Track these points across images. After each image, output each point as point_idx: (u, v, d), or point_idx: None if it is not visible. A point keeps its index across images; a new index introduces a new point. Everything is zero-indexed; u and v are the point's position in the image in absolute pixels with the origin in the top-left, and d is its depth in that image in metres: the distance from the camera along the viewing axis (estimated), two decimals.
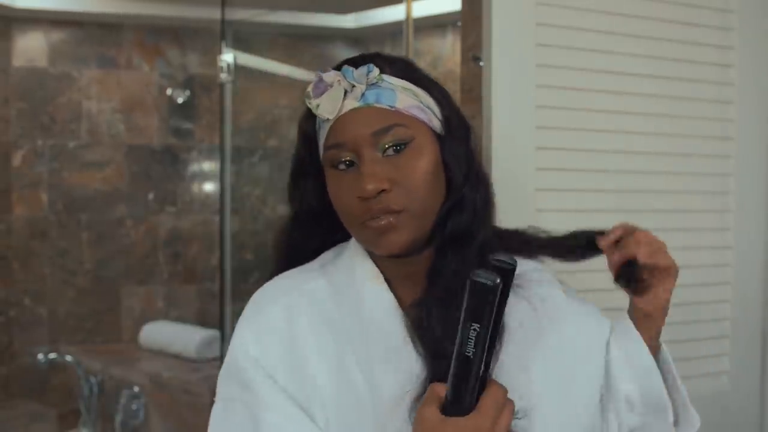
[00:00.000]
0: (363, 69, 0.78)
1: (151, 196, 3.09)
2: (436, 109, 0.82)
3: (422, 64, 3.15)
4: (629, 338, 0.89)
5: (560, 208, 1.39)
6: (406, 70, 0.82)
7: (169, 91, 3.08)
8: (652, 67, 1.47)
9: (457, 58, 1.61)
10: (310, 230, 0.88)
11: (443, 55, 2.87)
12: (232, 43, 2.70)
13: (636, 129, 1.46)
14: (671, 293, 0.89)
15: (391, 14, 2.85)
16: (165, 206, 3.11)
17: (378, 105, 0.77)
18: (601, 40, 1.42)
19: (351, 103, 0.78)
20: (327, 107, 0.78)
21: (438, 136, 0.81)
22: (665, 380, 0.88)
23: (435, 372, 0.73)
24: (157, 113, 3.08)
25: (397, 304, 0.81)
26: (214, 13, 2.79)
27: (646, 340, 0.89)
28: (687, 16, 1.50)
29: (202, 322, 2.92)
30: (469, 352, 0.63)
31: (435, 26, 2.85)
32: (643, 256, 0.84)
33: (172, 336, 2.65)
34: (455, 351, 0.64)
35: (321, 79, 0.79)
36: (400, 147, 0.77)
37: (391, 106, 0.78)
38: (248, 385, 0.78)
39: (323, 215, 0.85)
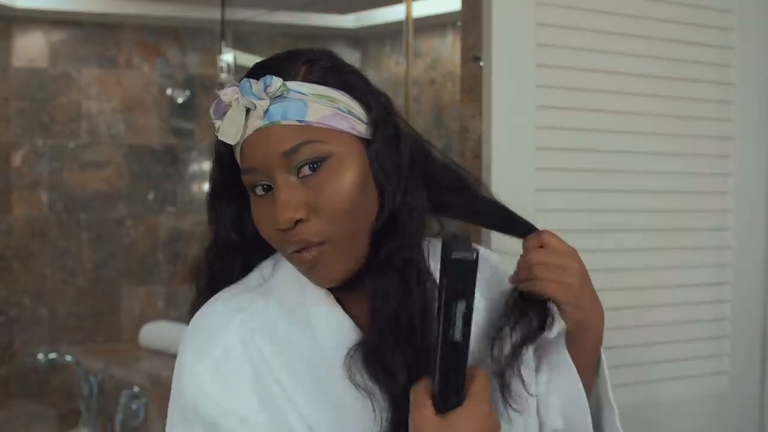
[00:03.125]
0: (260, 83, 0.68)
1: (151, 196, 3.09)
2: (360, 112, 0.72)
3: (422, 64, 3.16)
4: (561, 371, 0.82)
5: (560, 208, 1.39)
6: (321, 71, 0.71)
7: (169, 91, 3.08)
8: (652, 67, 1.47)
9: (457, 58, 1.61)
10: (231, 260, 0.79)
11: (443, 55, 2.87)
12: (232, 43, 2.71)
13: (636, 129, 1.46)
14: (594, 294, 0.81)
15: (391, 14, 2.85)
16: (165, 206, 3.11)
17: (285, 122, 0.68)
18: (601, 40, 1.42)
19: (254, 123, 0.69)
20: (228, 131, 0.70)
21: (366, 141, 0.72)
22: (599, 387, 0.85)
23: (398, 410, 0.69)
24: (157, 113, 3.08)
25: (354, 326, 0.74)
26: (214, 13, 2.80)
27: (581, 355, 0.82)
28: (687, 16, 1.50)
29: None
30: (457, 336, 0.60)
31: (435, 26, 2.85)
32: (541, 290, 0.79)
33: (172, 336, 2.65)
34: (440, 339, 0.61)
35: (219, 98, 0.70)
36: (316, 165, 0.68)
37: (301, 121, 0.68)
38: (217, 428, 0.71)
39: (245, 242, 0.77)
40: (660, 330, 1.49)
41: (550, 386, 0.83)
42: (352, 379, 0.71)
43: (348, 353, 0.72)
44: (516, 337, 0.78)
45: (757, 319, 1.62)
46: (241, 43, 2.82)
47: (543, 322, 0.78)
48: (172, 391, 0.76)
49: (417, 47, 2.82)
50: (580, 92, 1.41)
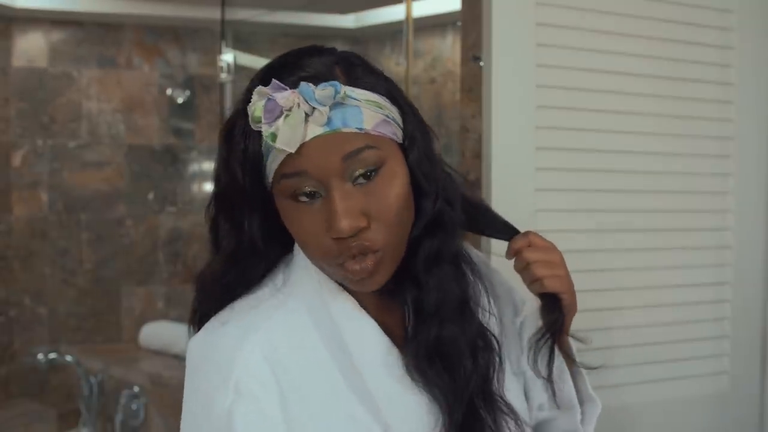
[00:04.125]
0: (329, 89, 0.64)
1: (151, 196, 3.09)
2: (398, 117, 0.71)
3: (422, 64, 3.16)
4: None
5: (560, 208, 1.39)
6: (364, 75, 0.70)
7: (169, 91, 3.08)
8: (652, 67, 1.47)
9: (457, 58, 1.61)
10: (250, 271, 0.75)
11: (443, 55, 2.87)
12: (232, 43, 2.71)
13: (636, 129, 1.46)
14: (566, 273, 0.85)
15: (391, 14, 2.85)
16: (165, 206, 3.11)
17: (346, 129, 0.65)
18: (601, 40, 1.42)
19: (314, 130, 0.65)
20: (287, 138, 0.64)
21: (403, 148, 0.72)
22: (571, 370, 0.88)
23: (452, 410, 0.72)
24: (157, 113, 3.08)
25: (384, 335, 0.74)
26: (214, 13, 2.79)
27: (563, 334, 0.87)
28: (687, 16, 1.50)
29: None
30: None
31: (435, 26, 2.85)
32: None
33: (172, 336, 2.66)
34: None
35: (274, 101, 0.64)
36: (371, 173, 0.67)
37: (360, 129, 0.66)
38: None
39: (266, 251, 0.74)
40: (660, 330, 1.49)
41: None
42: (413, 378, 0.72)
43: (409, 352, 0.73)
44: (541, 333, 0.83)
45: (757, 319, 1.62)
46: (241, 43, 2.82)
47: (560, 312, 0.84)
48: (191, 418, 0.71)
49: (417, 47, 2.82)
50: (580, 92, 1.40)
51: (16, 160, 2.97)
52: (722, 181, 1.56)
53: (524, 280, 0.85)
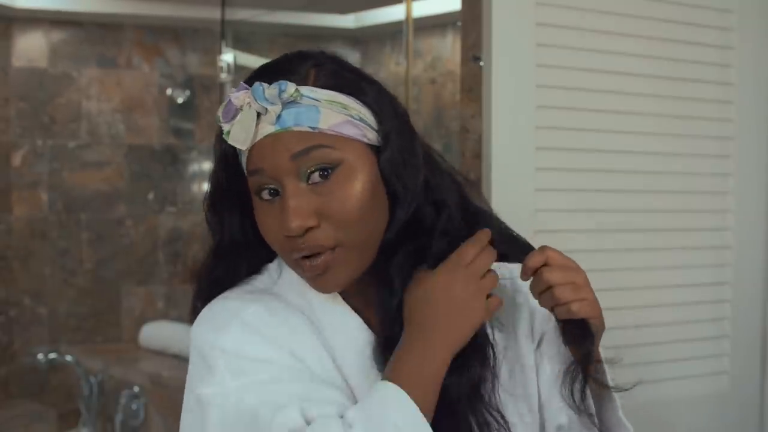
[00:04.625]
0: (275, 88, 0.66)
1: (151, 196, 3.09)
2: (371, 119, 0.71)
3: (422, 64, 3.16)
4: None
5: (560, 208, 1.39)
6: (334, 75, 0.70)
7: (169, 91, 3.08)
8: (652, 67, 1.47)
9: (457, 58, 1.61)
10: (234, 264, 0.77)
11: (443, 55, 2.87)
12: (232, 43, 2.71)
13: (636, 129, 1.46)
14: (593, 295, 0.78)
15: (391, 14, 2.85)
16: (165, 206, 3.11)
17: (297, 128, 0.67)
18: (601, 40, 1.42)
19: (266, 128, 0.67)
20: (238, 136, 0.67)
21: (376, 148, 0.71)
22: (600, 395, 0.84)
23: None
24: (157, 113, 3.08)
25: (363, 324, 0.75)
26: (214, 13, 2.80)
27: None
28: (687, 16, 1.50)
29: None
30: None
31: (435, 26, 2.85)
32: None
33: (172, 336, 2.66)
34: None
35: (230, 101, 0.68)
36: (326, 172, 0.67)
37: (313, 128, 0.67)
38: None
39: (249, 245, 0.76)
40: (660, 330, 1.49)
41: (553, 385, 0.83)
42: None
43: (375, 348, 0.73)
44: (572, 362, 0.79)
45: (757, 319, 1.62)
46: (241, 43, 2.82)
47: (591, 341, 0.77)
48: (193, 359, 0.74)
49: (417, 47, 2.82)
50: (580, 92, 1.41)
51: (16, 160, 2.97)
52: (722, 181, 1.56)
53: (544, 303, 0.77)
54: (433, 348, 0.68)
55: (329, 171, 0.67)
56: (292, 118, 0.67)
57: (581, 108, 1.41)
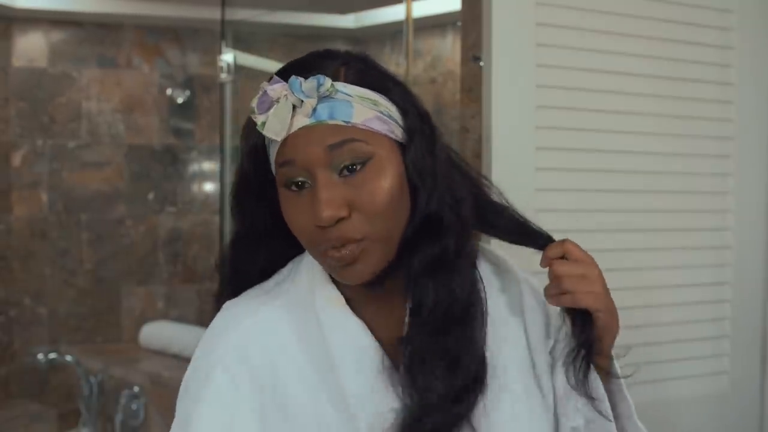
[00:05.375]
0: (312, 81, 0.68)
1: (151, 196, 3.09)
2: (398, 116, 0.73)
3: (422, 64, 3.16)
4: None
5: (560, 208, 1.39)
6: (362, 73, 0.72)
7: (169, 91, 3.08)
8: (652, 67, 1.47)
9: (457, 58, 1.61)
10: (254, 253, 0.80)
11: (443, 55, 2.87)
12: (232, 43, 2.71)
13: (636, 129, 1.46)
14: (604, 290, 0.81)
15: (391, 14, 2.85)
16: (165, 206, 3.11)
17: (332, 121, 0.68)
18: (601, 40, 1.42)
19: (301, 120, 0.69)
20: (274, 127, 0.69)
21: (401, 146, 0.73)
22: (612, 392, 0.85)
23: (417, 411, 0.71)
24: (157, 113, 3.08)
25: (367, 331, 0.75)
26: (214, 13, 2.79)
27: (601, 356, 0.82)
28: (687, 16, 1.50)
29: (202, 322, 2.92)
30: None
31: (435, 26, 2.85)
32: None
33: (172, 336, 2.66)
34: None
35: (265, 93, 0.70)
36: (357, 165, 0.69)
37: (347, 122, 0.69)
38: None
39: (271, 236, 0.78)
40: (660, 330, 1.49)
41: (569, 387, 0.82)
42: (391, 380, 0.73)
43: (402, 354, 0.73)
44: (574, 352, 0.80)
45: (757, 319, 1.62)
46: (241, 43, 2.82)
47: (590, 331, 0.79)
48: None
49: (417, 47, 2.83)
50: (580, 92, 1.41)
51: (16, 160, 2.97)
52: (722, 181, 1.56)
53: (549, 291, 0.80)
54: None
55: (360, 164, 0.69)
56: (326, 112, 0.68)
57: (581, 108, 1.41)
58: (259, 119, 0.70)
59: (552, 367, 0.83)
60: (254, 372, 0.74)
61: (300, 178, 0.70)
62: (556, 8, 1.38)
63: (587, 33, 1.41)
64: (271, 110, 0.69)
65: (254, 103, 0.71)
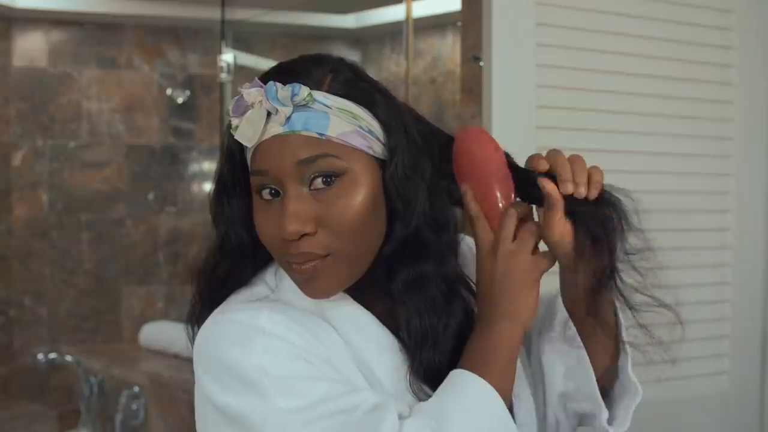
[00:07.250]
0: (288, 89, 0.65)
1: (151, 196, 3.09)
2: (380, 132, 0.70)
3: (422, 64, 3.16)
4: (573, 348, 0.85)
5: None
6: (348, 84, 0.69)
7: (169, 91, 3.08)
8: (652, 67, 1.47)
9: (457, 58, 1.61)
10: (240, 263, 0.75)
11: (443, 55, 2.87)
12: (232, 43, 2.71)
13: (636, 129, 1.46)
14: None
15: (391, 14, 2.85)
16: (165, 206, 3.11)
17: (305, 132, 0.66)
18: (601, 40, 1.42)
19: (274, 128, 0.66)
20: (246, 132, 0.66)
21: (381, 162, 0.70)
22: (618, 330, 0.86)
23: (417, 359, 0.73)
24: (157, 113, 3.08)
25: (376, 321, 0.74)
26: (214, 13, 2.79)
27: (573, 290, 0.82)
28: (687, 16, 1.50)
29: None
30: None
31: (435, 26, 2.85)
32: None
33: (172, 336, 2.65)
34: None
35: (241, 96, 0.67)
36: (329, 180, 0.67)
37: (321, 134, 0.66)
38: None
39: (255, 245, 0.73)
40: (660, 330, 1.49)
41: (554, 354, 0.85)
42: (416, 394, 0.72)
43: (410, 371, 0.73)
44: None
45: (757, 319, 1.62)
46: (241, 43, 2.82)
47: (612, 235, 0.80)
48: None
49: (417, 47, 2.82)
50: (580, 92, 1.41)
51: (16, 160, 2.97)
52: (722, 181, 1.56)
53: (549, 209, 0.79)
54: (501, 329, 0.73)
55: (332, 179, 0.67)
56: (301, 122, 0.66)
57: (581, 108, 1.41)
58: (233, 122, 0.68)
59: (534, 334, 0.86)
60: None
61: (272, 186, 0.68)
62: (556, 8, 1.38)
63: (587, 33, 1.41)
64: (246, 115, 0.67)
65: (230, 106, 0.68)
